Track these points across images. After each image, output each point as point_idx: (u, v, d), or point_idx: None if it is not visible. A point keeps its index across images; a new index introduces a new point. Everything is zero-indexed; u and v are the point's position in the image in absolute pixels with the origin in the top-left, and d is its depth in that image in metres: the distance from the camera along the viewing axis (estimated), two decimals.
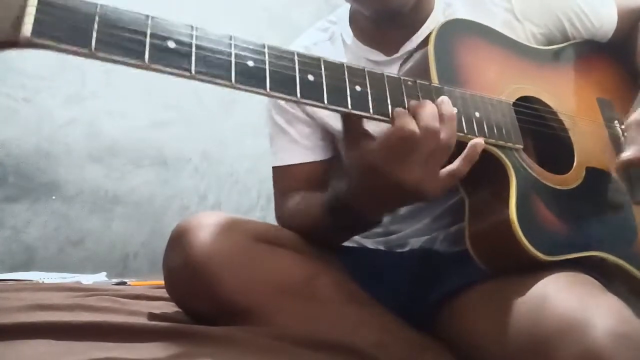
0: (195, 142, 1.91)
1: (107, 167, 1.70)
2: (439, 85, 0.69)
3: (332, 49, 0.92)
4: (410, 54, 0.79)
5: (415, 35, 0.86)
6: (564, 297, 0.60)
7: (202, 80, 0.53)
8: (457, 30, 0.77)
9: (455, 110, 0.64)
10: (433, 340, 0.78)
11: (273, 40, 0.59)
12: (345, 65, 0.62)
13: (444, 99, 0.63)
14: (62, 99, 1.63)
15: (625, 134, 0.76)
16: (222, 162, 1.97)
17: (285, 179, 0.93)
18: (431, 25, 0.83)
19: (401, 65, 0.80)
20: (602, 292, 0.63)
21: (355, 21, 0.92)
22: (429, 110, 0.61)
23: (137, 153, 1.77)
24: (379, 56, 0.88)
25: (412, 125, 0.59)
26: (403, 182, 0.60)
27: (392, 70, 0.80)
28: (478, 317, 0.72)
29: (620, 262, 0.74)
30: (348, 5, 0.94)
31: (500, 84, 0.76)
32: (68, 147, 1.63)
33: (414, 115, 0.61)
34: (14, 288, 0.91)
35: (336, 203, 0.72)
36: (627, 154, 0.71)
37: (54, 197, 1.59)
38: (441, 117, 0.61)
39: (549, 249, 0.68)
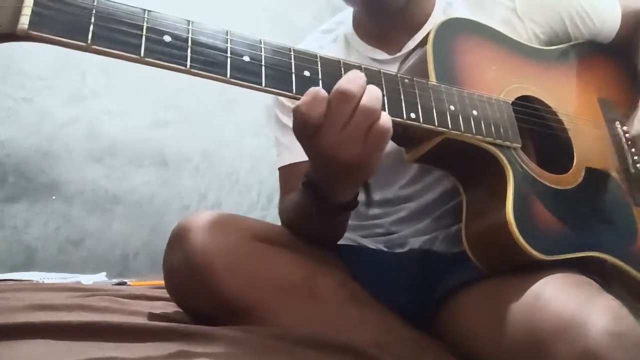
0: (195, 142, 1.91)
1: (107, 167, 1.70)
2: (436, 83, 0.68)
3: (336, 50, 0.93)
4: (410, 52, 0.79)
5: (418, 34, 0.87)
6: (561, 297, 0.60)
7: (198, 75, 0.53)
8: (456, 29, 0.77)
9: (362, 76, 0.58)
10: (433, 340, 0.78)
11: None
12: (342, 61, 0.62)
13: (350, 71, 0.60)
14: (62, 99, 1.63)
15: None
16: (222, 162, 1.97)
17: (290, 177, 0.93)
18: (432, 24, 0.83)
19: (400, 64, 0.80)
20: (599, 292, 0.63)
21: (358, 21, 0.93)
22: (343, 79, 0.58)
23: (137, 153, 1.77)
24: (383, 55, 0.89)
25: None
26: (324, 149, 0.58)
27: (395, 69, 0.80)
28: (476, 317, 0.72)
29: (620, 263, 0.74)
30: None
31: (500, 83, 0.76)
32: (68, 147, 1.63)
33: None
34: (14, 288, 0.91)
35: (308, 185, 0.71)
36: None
37: (54, 197, 1.59)
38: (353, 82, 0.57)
39: (546, 248, 0.67)
